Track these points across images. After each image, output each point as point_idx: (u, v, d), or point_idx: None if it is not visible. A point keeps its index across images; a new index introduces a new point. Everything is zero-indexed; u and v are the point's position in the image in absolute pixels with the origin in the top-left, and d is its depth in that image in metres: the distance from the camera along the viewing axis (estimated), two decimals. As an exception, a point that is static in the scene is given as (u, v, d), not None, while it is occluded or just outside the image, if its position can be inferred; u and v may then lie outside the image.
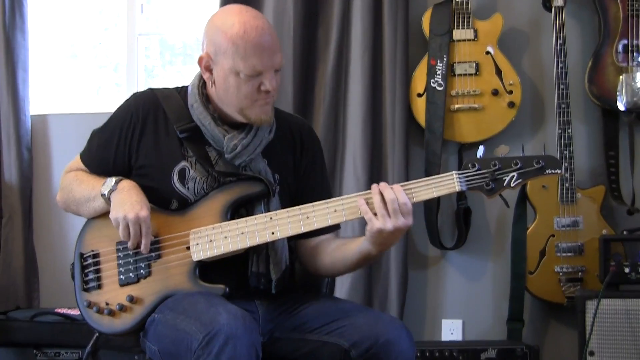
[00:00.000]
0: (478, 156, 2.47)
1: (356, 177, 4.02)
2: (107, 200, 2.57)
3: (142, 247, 2.53)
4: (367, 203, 2.44)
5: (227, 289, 2.51)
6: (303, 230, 2.51)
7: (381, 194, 2.42)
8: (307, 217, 2.49)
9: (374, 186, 2.45)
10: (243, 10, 2.54)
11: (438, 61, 3.96)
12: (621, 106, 3.87)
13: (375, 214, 2.42)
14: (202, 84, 2.65)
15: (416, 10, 4.11)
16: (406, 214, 2.41)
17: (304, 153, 2.79)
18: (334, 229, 2.71)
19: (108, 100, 4.55)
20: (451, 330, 4.16)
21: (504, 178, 2.43)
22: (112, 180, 2.58)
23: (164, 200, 2.61)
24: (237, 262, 2.59)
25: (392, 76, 4.04)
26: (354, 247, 2.57)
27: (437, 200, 4.04)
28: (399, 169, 4.01)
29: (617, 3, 3.89)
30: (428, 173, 3.93)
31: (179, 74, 4.62)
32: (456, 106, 3.98)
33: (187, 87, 2.70)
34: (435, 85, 3.96)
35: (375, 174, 4.06)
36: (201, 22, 4.08)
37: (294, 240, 2.76)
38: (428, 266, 4.21)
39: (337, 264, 2.65)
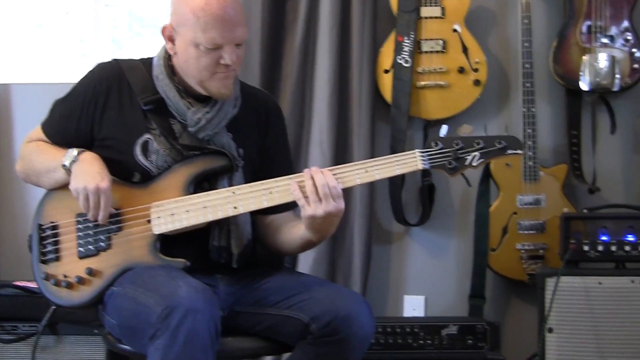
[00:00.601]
0: (441, 135, 2.48)
1: (322, 152, 4.00)
2: (68, 171, 2.53)
3: (100, 218, 2.50)
4: (300, 187, 2.44)
5: (188, 263, 2.49)
6: (266, 205, 2.49)
7: (312, 178, 2.43)
8: (270, 192, 2.48)
9: (306, 171, 2.45)
10: None
11: (405, 38, 3.94)
12: (584, 86, 3.87)
13: (307, 199, 2.42)
14: (168, 55, 2.62)
15: (384, -13, 4.09)
16: (337, 197, 2.42)
17: (269, 129, 2.77)
18: (293, 206, 2.69)
19: (74, 72, 4.48)
20: (413, 307, 4.16)
21: (466, 157, 2.45)
22: (73, 151, 2.54)
23: (127, 173, 2.58)
24: (199, 236, 2.57)
25: (360, 52, 4.02)
26: (297, 232, 2.57)
27: (402, 177, 4.03)
28: (364, 144, 3.99)
29: (582, -16, 3.90)
30: (393, 149, 3.92)
31: (148, 46, 4.56)
32: (422, 83, 3.96)
33: (152, 58, 2.67)
34: (402, 61, 3.94)
35: (341, 149, 4.04)
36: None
37: (252, 217, 2.74)
38: (392, 242, 4.20)
39: (286, 245, 2.67)
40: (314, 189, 2.41)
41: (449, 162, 2.45)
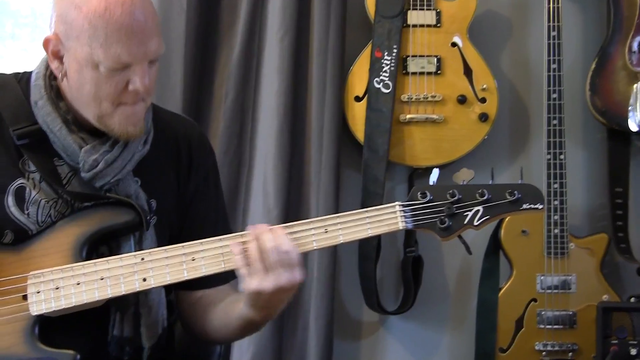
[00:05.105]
0: (431, 183, 2.53)
1: (267, 209, 4.06)
2: None
3: None
4: (243, 250, 2.48)
5: (78, 356, 2.50)
6: (187, 276, 2.53)
7: (257, 240, 2.46)
8: (193, 259, 2.52)
9: (251, 228, 2.49)
10: None
11: (385, 53, 4.03)
12: (634, 126, 3.96)
13: (250, 268, 2.45)
14: (50, 72, 2.63)
15: (358, -17, 4.17)
16: (291, 266, 2.45)
17: (192, 170, 2.81)
18: (230, 277, 2.75)
19: None
20: None
21: (465, 213, 2.50)
22: None
23: None
24: (95, 320, 2.60)
25: (322, 71, 4.10)
26: (236, 309, 2.60)
27: (377, 246, 4.09)
28: (325, 198, 4.06)
29: (633, -14, 3.99)
30: (366, 206, 3.84)
31: (25, 52, 4.57)
32: (408, 116, 4.05)
33: (30, 74, 2.69)
34: (381, 86, 4.03)
35: (292, 204, 4.11)
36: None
37: (175, 292, 2.79)
38: (361, 336, 4.27)
39: (221, 329, 2.70)
40: (259, 255, 2.44)
41: (440, 219, 2.48)
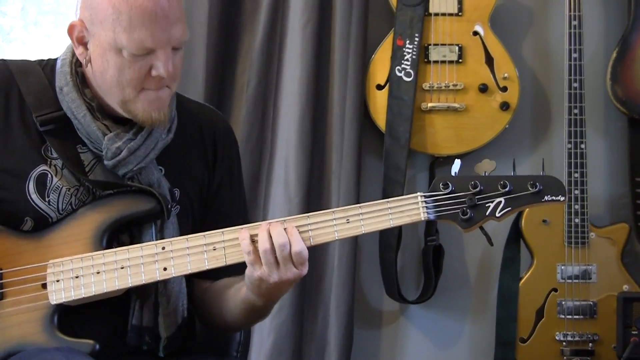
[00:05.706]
0: (452, 173, 2.50)
1: (287, 197, 4.03)
2: None
3: None
4: (253, 240, 2.45)
5: (97, 346, 2.48)
6: (208, 266, 2.50)
7: (269, 232, 2.44)
8: (214, 249, 2.50)
9: (264, 223, 2.46)
10: None
11: (407, 41, 4.00)
12: None
13: (257, 257, 2.44)
14: (76, 59, 2.61)
15: (380, -29, 4.14)
16: (299, 264, 2.43)
17: (217, 162, 2.79)
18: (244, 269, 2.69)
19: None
20: (409, 414, 4.20)
21: (486, 205, 2.47)
22: None
23: (14, 217, 2.57)
24: (114, 309, 2.58)
25: (344, 58, 4.08)
26: (240, 293, 2.58)
27: (398, 235, 4.08)
28: (347, 186, 4.04)
29: (654, -27, 3.95)
30: (387, 194, 3.97)
31: (48, 38, 4.58)
32: (429, 105, 4.03)
33: (55, 60, 2.66)
34: (402, 74, 4.01)
35: (313, 192, 4.09)
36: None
37: (192, 280, 2.75)
38: (382, 325, 4.25)
39: (228, 314, 2.67)
40: (269, 247, 2.42)
41: (462, 210, 2.46)
